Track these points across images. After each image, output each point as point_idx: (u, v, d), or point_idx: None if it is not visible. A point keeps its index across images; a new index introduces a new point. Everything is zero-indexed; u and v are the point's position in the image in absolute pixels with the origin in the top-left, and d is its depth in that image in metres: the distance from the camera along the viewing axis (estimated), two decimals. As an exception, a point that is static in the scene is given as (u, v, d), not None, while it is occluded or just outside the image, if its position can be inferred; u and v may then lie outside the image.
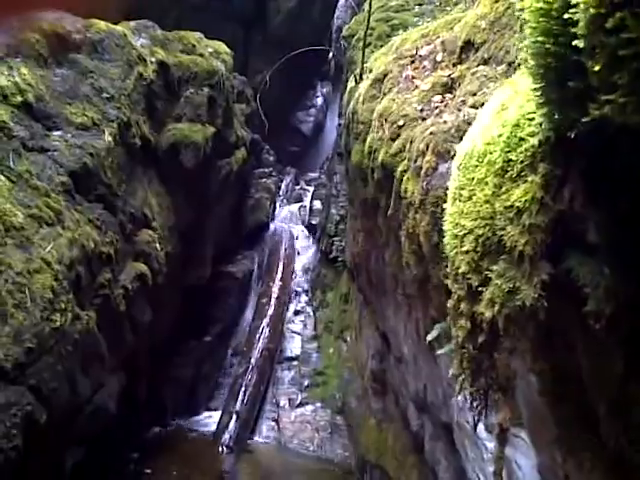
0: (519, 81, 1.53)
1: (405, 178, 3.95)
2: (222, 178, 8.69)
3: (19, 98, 5.08)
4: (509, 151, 1.39)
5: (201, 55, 7.86)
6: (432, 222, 3.33)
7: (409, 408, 5.69)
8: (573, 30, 0.93)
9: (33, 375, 4.36)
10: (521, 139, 1.35)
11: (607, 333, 1.26)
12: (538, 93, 1.15)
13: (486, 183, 1.47)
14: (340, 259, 9.44)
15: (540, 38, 1.03)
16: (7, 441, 4.04)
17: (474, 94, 3.79)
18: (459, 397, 3.21)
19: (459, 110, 3.67)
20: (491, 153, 1.46)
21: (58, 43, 5.68)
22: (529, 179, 1.31)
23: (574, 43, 0.92)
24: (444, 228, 1.77)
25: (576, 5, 0.90)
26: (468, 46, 4.57)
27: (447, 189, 3.23)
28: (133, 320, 6.45)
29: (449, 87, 4.36)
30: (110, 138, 5.80)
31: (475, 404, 2.02)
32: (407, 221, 3.90)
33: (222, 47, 8.68)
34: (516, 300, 1.36)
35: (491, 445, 2.90)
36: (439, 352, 3.57)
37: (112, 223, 5.85)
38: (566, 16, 0.94)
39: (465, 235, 1.56)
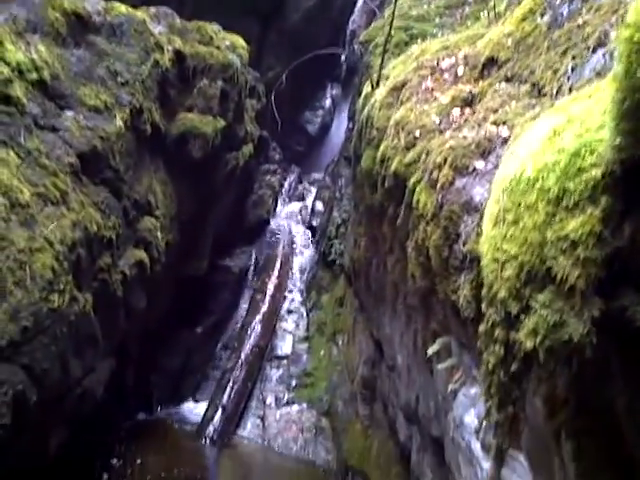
0: (570, 107, 1.51)
1: (418, 189, 3.93)
2: (228, 172, 8.66)
3: (34, 75, 5.04)
4: (566, 180, 1.36)
5: (218, 47, 7.83)
6: (444, 236, 3.32)
7: (398, 418, 5.68)
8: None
9: (27, 354, 4.33)
10: (580, 169, 1.33)
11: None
12: (618, 125, 1.13)
13: (536, 210, 1.44)
14: (338, 262, 9.42)
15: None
16: (-4, 418, 4.02)
17: (495, 111, 3.78)
18: (465, 416, 3.20)
19: (480, 126, 3.65)
20: (544, 180, 1.43)
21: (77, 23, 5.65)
22: (587, 211, 1.28)
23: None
24: (482, 250, 1.74)
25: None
26: (491, 63, 4.56)
27: (463, 204, 3.24)
28: (128, 306, 6.42)
29: (469, 102, 4.34)
30: (121, 123, 5.77)
31: (500, 430, 2.00)
32: (416, 233, 3.88)
33: (239, 41, 8.64)
34: (562, 333, 1.34)
35: (487, 465, 2.88)
36: (439, 367, 3.56)
37: (116, 208, 5.82)
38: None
39: (508, 260, 1.53)
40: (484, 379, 1.93)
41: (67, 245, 4.83)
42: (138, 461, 7.34)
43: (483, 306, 1.83)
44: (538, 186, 1.45)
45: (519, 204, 1.52)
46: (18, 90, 4.92)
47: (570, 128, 1.40)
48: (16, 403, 4.22)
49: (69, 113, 5.36)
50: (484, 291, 1.79)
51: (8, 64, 4.89)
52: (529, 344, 1.45)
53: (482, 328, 1.87)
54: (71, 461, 6.04)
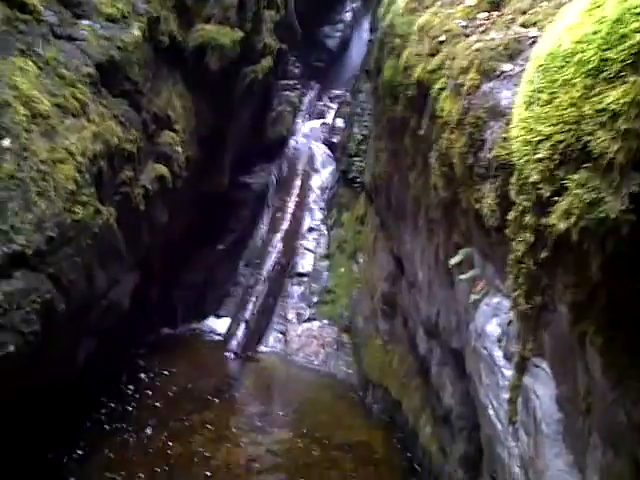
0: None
1: (442, 96, 3.82)
2: (246, 85, 8.47)
3: (49, -19, 4.89)
4: (607, 49, 1.27)
5: (235, -47, 7.50)
6: (469, 143, 3.24)
7: (418, 332, 5.76)
8: None
9: (53, 264, 4.38)
10: (623, 36, 1.24)
11: None
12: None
13: (573, 85, 1.37)
14: (359, 180, 9.36)
15: None
16: (27, 325, 4.11)
17: (524, 12, 3.60)
18: (487, 325, 3.22)
19: (508, 28, 3.50)
20: (582, 52, 1.35)
21: None
22: (630, 79, 1.21)
23: None
24: (513, 134, 1.68)
25: None
26: (521, -38, 4.33)
27: (489, 109, 3.14)
28: (151, 221, 6.46)
29: (496, 4, 4.15)
30: (139, 33, 5.62)
31: (525, 323, 2.00)
32: (440, 141, 3.80)
33: (257, -53, 8.27)
34: (598, 212, 1.30)
35: (509, 373, 2.92)
36: (461, 277, 3.56)
37: (136, 121, 5.76)
38: None
39: (541, 142, 1.47)
40: (512, 268, 1.92)
41: (88, 157, 4.82)
42: (165, 372, 7.59)
43: (512, 194, 1.79)
44: (576, 59, 1.38)
45: (554, 81, 1.45)
46: (33, -3, 4.79)
47: (611, -2, 1.31)
48: (45, 312, 4.32)
49: (85, 22, 5.22)
50: (514, 178, 1.74)
51: (21, -30, 4.74)
52: (562, 226, 1.41)
53: (512, 215, 1.83)
54: (97, 375, 6.23)
